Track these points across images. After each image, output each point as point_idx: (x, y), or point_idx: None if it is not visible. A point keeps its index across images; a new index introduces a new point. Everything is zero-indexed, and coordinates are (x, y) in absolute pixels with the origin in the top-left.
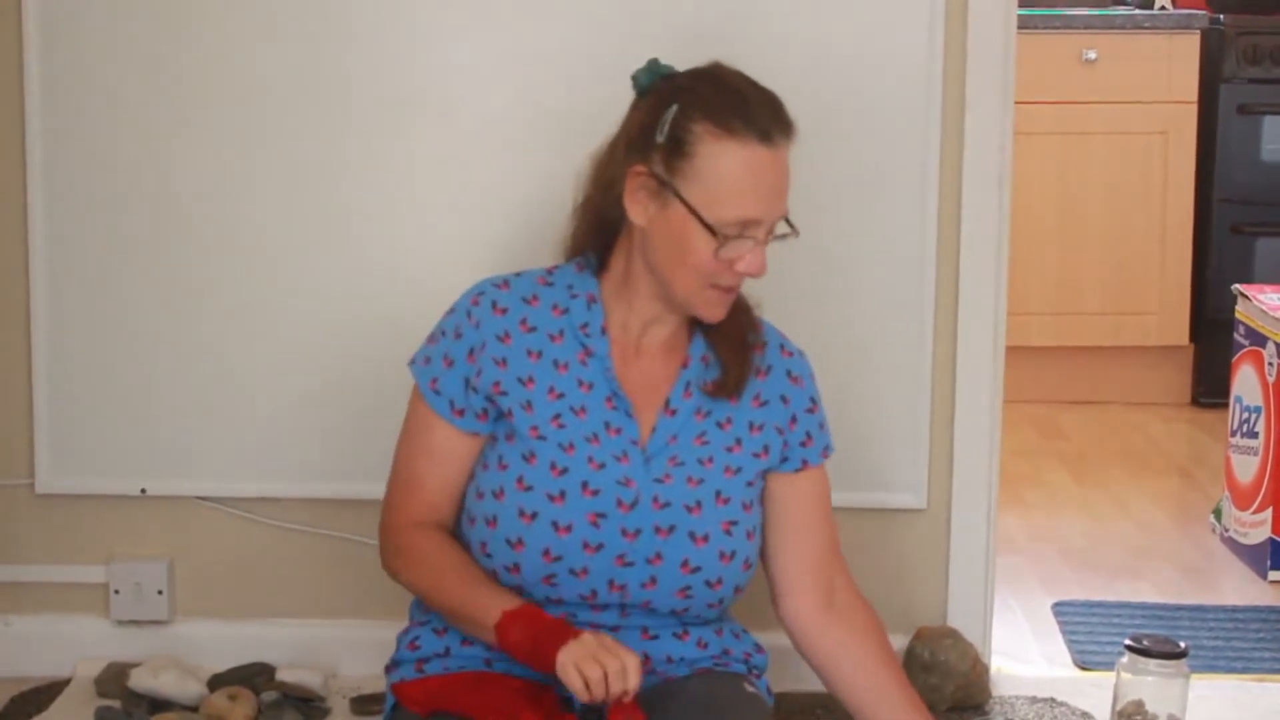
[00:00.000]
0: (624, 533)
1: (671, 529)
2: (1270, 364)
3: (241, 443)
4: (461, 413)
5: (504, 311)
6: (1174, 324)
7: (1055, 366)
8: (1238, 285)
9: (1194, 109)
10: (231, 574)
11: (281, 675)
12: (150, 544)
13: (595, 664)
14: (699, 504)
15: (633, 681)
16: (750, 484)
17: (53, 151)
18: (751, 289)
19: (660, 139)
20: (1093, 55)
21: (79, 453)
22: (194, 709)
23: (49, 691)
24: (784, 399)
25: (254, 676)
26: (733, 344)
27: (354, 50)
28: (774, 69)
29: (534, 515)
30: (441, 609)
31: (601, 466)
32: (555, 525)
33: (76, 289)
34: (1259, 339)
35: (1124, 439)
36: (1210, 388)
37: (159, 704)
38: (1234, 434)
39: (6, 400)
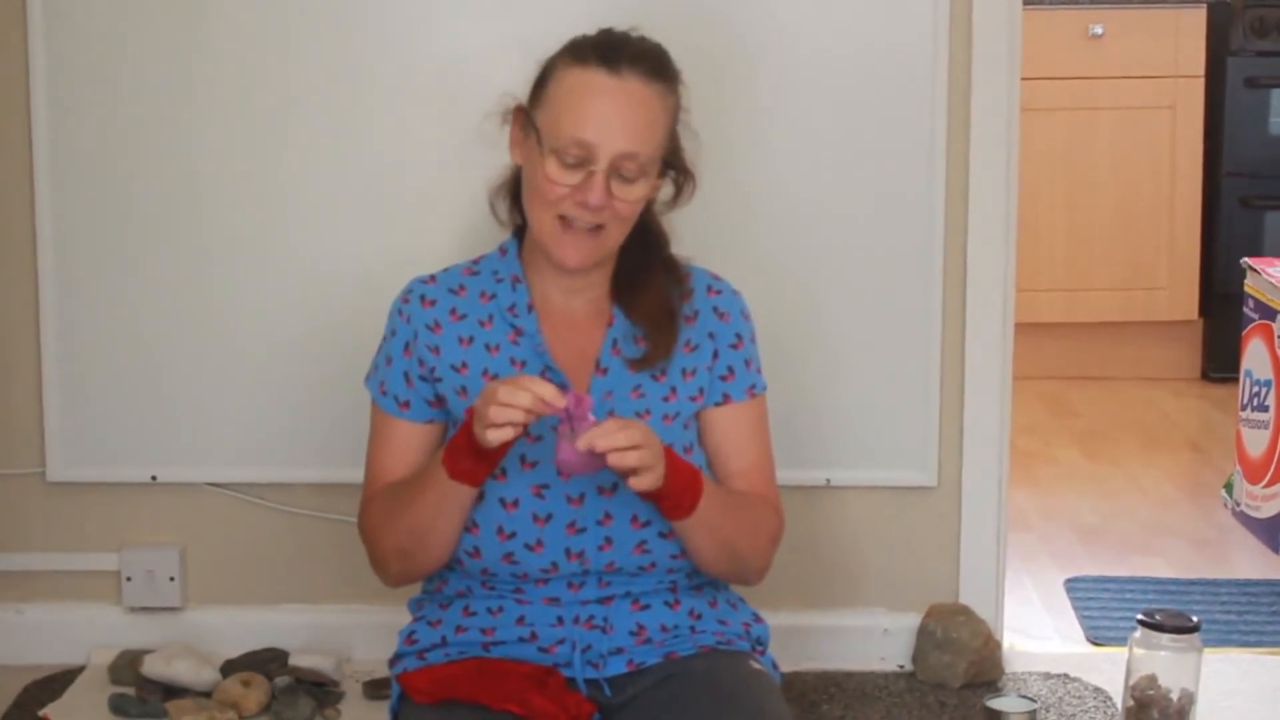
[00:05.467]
0: (569, 499)
1: (614, 486)
2: None
3: (252, 429)
4: (407, 404)
5: (432, 303)
6: (1183, 298)
7: (1065, 343)
8: (1247, 259)
9: (1201, 83)
10: (243, 560)
11: (294, 660)
12: (162, 531)
13: (489, 406)
14: None
15: (536, 388)
16: (687, 426)
17: (59, 140)
18: (745, 265)
19: (537, 78)
20: (1099, 30)
21: (90, 441)
22: (208, 695)
23: (63, 679)
24: (711, 335)
25: (267, 662)
26: (653, 313)
27: (359, 38)
28: (779, 50)
29: (482, 496)
30: (412, 522)
31: (538, 439)
32: (502, 502)
33: (85, 278)
34: (1269, 312)
35: (1134, 414)
36: (1220, 362)
37: (173, 691)
38: (1244, 408)
39: (17, 390)
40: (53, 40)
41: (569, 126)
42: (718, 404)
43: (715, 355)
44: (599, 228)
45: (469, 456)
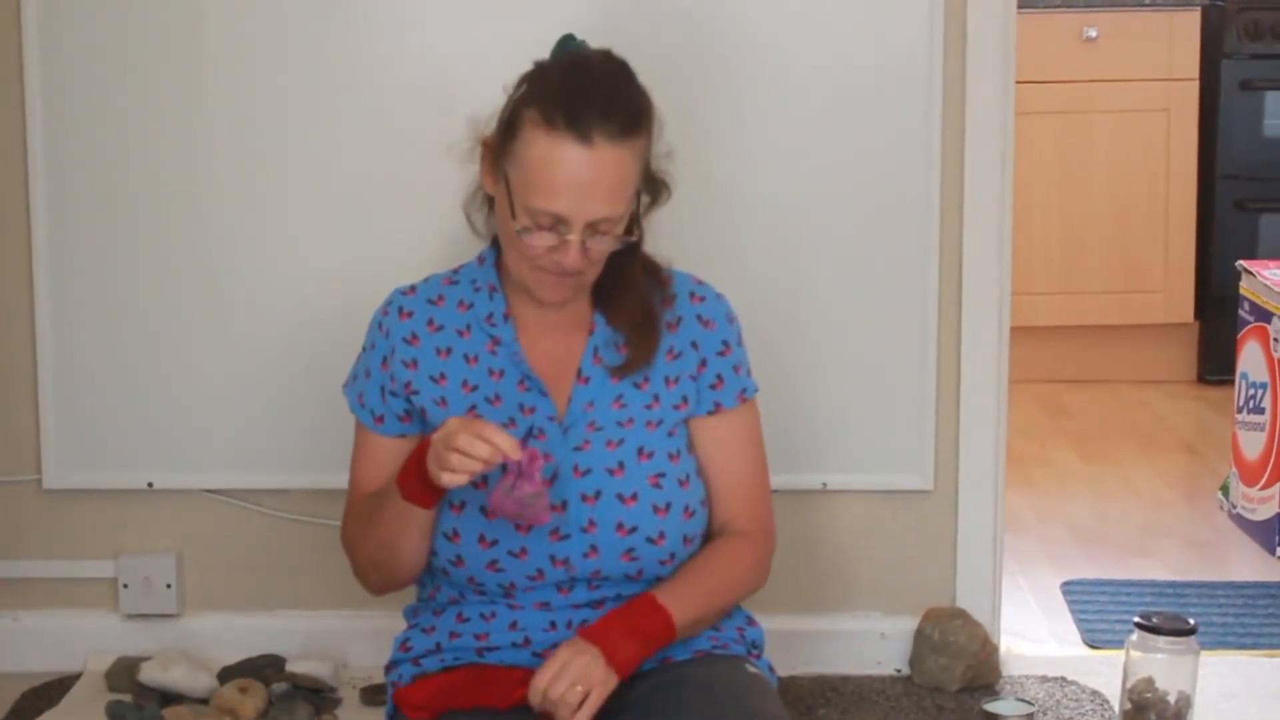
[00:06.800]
0: (550, 507)
1: (598, 494)
2: (1276, 339)
3: (248, 435)
4: (381, 419)
5: (409, 315)
6: (1179, 301)
7: (1060, 346)
8: (1242, 261)
9: (1195, 86)
10: (240, 566)
11: (291, 666)
12: (158, 538)
13: (448, 454)
14: (621, 465)
15: (497, 440)
16: (672, 434)
17: (54, 146)
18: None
19: (504, 116)
20: (1093, 33)
21: (86, 448)
22: (205, 702)
23: (60, 686)
24: (694, 345)
25: (264, 668)
26: (635, 318)
27: (356, 42)
28: (773, 53)
29: (462, 505)
30: (380, 538)
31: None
32: (484, 510)
33: (81, 284)
34: (1264, 315)
35: (1130, 417)
36: (1216, 364)
37: (170, 697)
38: (1240, 410)
39: (13, 397)
40: (48, 43)
41: (541, 199)
42: (710, 413)
43: (703, 364)
44: (577, 272)
45: (418, 482)
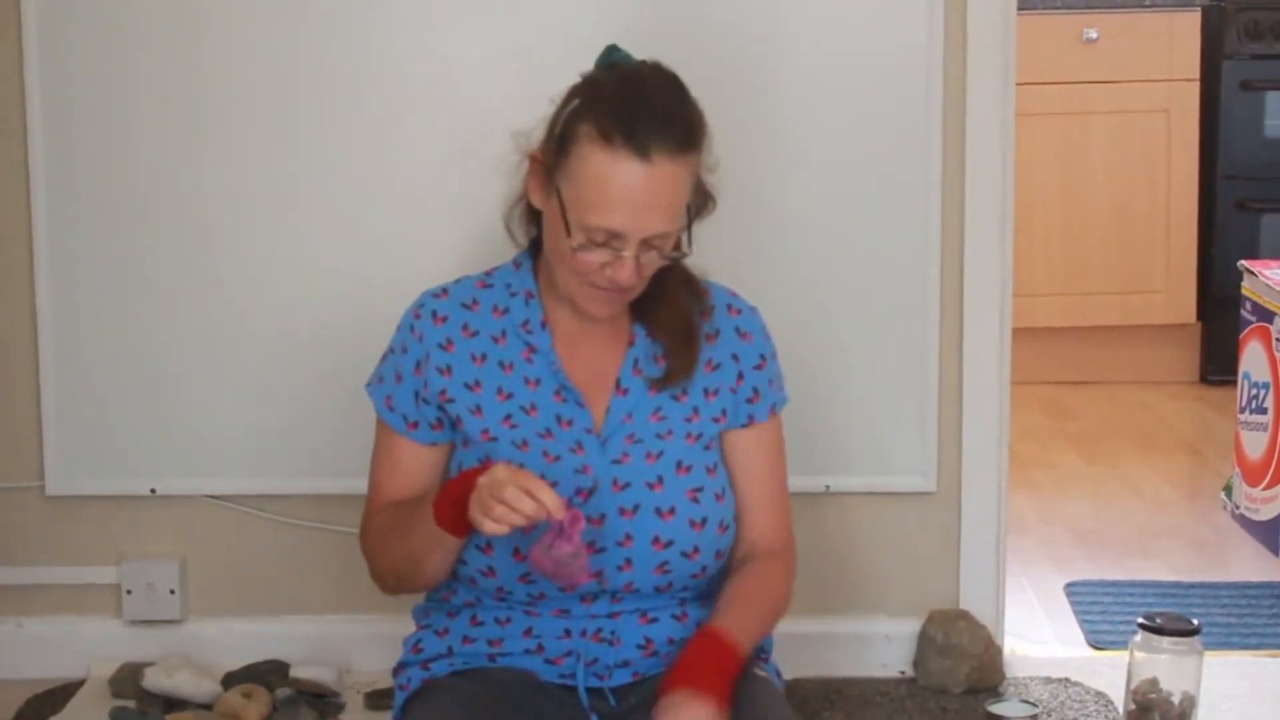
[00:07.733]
0: (589, 520)
1: (636, 508)
2: (1278, 339)
3: (250, 440)
4: (415, 425)
5: (444, 320)
6: (1180, 302)
7: (1062, 347)
8: (1244, 261)
9: (1196, 86)
10: (243, 572)
11: (295, 672)
12: (161, 543)
13: (492, 503)
14: (660, 479)
15: (543, 498)
16: (709, 447)
17: (56, 152)
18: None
19: (555, 130)
20: (1093, 34)
21: (88, 454)
22: (209, 707)
23: (64, 693)
24: (734, 357)
25: (268, 674)
26: (674, 330)
27: (356, 46)
28: (769, 55)
29: None
30: (405, 552)
31: (557, 459)
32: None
33: (83, 289)
34: (1266, 314)
35: (1132, 418)
36: (1218, 365)
37: (174, 703)
38: (1243, 410)
39: (15, 403)
40: (49, 52)
41: (598, 215)
42: (744, 426)
43: (740, 378)
44: (630, 288)
45: (454, 515)
